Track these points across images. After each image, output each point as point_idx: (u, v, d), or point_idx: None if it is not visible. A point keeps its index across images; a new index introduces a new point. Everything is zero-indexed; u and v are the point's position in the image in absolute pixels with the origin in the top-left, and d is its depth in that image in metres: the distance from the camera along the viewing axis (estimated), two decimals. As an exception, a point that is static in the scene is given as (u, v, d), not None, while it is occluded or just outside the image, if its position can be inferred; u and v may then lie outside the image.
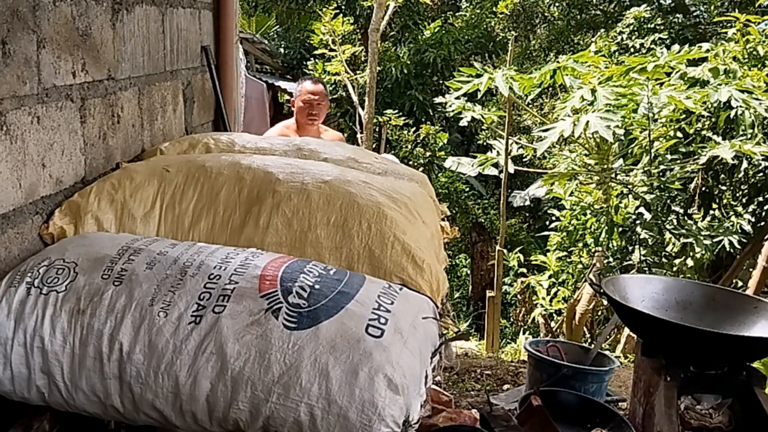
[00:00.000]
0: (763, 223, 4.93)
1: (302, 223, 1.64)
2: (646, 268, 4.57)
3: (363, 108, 8.33)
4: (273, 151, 2.06)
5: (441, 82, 9.72)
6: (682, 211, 4.93)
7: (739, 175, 4.88)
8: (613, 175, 4.93)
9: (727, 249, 4.44)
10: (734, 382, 2.02)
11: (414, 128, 9.07)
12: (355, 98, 8.77)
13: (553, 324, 5.80)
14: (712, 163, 4.68)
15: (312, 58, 9.89)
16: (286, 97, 8.68)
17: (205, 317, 1.32)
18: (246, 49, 8.73)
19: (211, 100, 2.87)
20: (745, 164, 4.59)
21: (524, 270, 6.63)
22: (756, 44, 4.75)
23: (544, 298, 5.77)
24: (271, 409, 1.25)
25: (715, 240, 4.41)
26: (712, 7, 9.84)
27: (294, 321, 1.30)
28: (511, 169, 5.20)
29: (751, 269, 4.91)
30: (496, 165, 5.31)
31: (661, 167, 4.54)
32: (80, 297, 1.37)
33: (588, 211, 5.12)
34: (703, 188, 5.05)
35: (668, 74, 4.55)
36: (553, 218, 6.10)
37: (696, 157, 4.50)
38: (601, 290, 2.19)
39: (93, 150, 1.85)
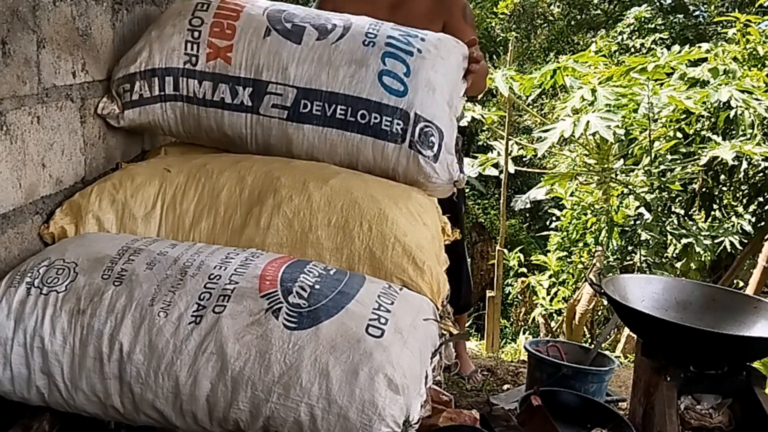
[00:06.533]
0: (763, 224, 4.93)
1: (303, 223, 1.64)
2: (647, 269, 4.57)
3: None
4: (273, 151, 2.06)
5: (441, 82, 9.67)
6: (682, 212, 4.94)
7: (739, 176, 4.88)
8: (613, 175, 4.93)
9: (728, 249, 4.44)
10: (734, 382, 2.02)
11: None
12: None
13: (553, 324, 5.80)
14: (713, 163, 4.68)
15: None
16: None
17: (206, 317, 1.32)
18: (246, 49, 8.68)
19: (211, 100, 2.86)
20: (745, 164, 4.59)
21: (524, 270, 6.63)
22: (756, 44, 4.76)
23: (544, 298, 5.77)
24: (271, 409, 1.25)
25: (716, 241, 4.42)
26: (712, 7, 9.84)
27: (294, 321, 1.30)
28: (512, 169, 5.20)
29: (751, 269, 4.91)
30: (496, 165, 5.31)
31: (662, 167, 4.55)
32: (80, 297, 1.37)
33: (588, 211, 5.12)
34: (704, 189, 5.06)
35: (668, 74, 4.55)
36: (554, 218, 6.10)
37: (696, 157, 4.50)
38: (601, 290, 2.19)
39: (93, 150, 1.85)
